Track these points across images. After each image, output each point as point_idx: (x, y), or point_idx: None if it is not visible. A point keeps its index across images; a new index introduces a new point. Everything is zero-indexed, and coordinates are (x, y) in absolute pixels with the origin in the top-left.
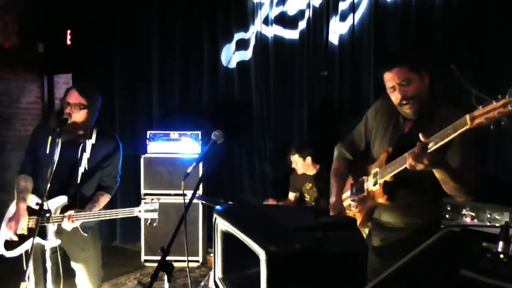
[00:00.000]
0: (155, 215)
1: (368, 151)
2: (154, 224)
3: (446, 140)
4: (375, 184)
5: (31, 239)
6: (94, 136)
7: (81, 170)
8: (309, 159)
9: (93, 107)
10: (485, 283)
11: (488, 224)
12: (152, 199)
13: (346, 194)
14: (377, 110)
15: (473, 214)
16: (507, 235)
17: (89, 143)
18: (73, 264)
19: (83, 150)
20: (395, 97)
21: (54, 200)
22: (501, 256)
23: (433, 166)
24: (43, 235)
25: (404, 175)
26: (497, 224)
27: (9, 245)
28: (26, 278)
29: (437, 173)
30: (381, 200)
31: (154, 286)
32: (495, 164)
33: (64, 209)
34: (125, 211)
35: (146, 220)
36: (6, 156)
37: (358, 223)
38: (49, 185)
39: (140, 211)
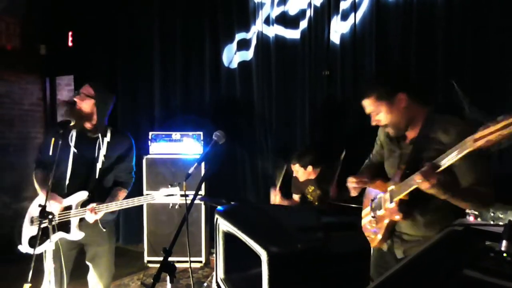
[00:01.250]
0: (176, 199)
1: None
2: (176, 207)
3: (452, 161)
4: (391, 201)
5: (56, 234)
6: (109, 134)
7: (98, 166)
8: (310, 167)
9: (100, 101)
10: (488, 282)
11: (491, 223)
12: (171, 184)
13: (366, 210)
14: (381, 129)
15: (476, 213)
16: (511, 234)
17: (105, 141)
18: (88, 258)
19: (99, 147)
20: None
21: (75, 195)
22: (505, 255)
23: (440, 187)
24: (66, 229)
25: (418, 193)
26: (500, 223)
27: (33, 243)
28: (30, 279)
29: (449, 199)
30: (398, 217)
31: (157, 287)
32: (499, 163)
33: (84, 204)
34: (147, 198)
35: (168, 205)
36: (8, 157)
37: (380, 238)
38: (68, 182)
39: (160, 196)
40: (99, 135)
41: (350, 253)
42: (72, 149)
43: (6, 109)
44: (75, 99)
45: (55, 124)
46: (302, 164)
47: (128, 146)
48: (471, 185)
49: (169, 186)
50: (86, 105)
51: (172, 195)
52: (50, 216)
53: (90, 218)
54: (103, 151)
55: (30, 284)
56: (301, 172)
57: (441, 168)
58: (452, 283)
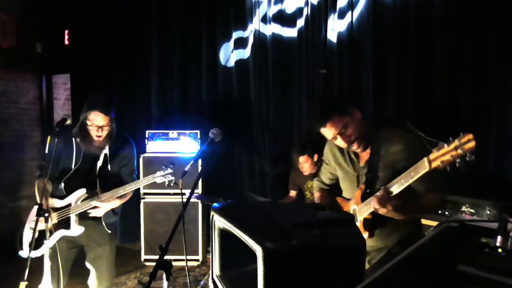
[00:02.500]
0: (171, 177)
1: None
2: (172, 184)
3: (408, 183)
4: (356, 220)
5: (57, 233)
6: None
7: (99, 164)
8: (316, 156)
9: (114, 121)
10: (483, 277)
11: (486, 219)
12: (165, 166)
13: None
14: (330, 151)
15: (472, 211)
16: (506, 229)
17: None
18: (88, 260)
19: (101, 152)
20: (341, 143)
21: (74, 194)
22: (499, 250)
23: (396, 212)
24: (66, 226)
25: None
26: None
27: (34, 246)
28: (27, 277)
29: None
30: (365, 235)
31: (154, 285)
32: (494, 162)
33: (83, 200)
34: (148, 178)
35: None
36: (5, 156)
37: None
38: (62, 185)
39: (157, 177)
40: None
41: (346, 249)
42: (75, 152)
43: (2, 108)
44: (97, 134)
45: (63, 130)
46: (310, 154)
47: (129, 151)
48: (423, 193)
49: (164, 166)
50: (106, 132)
51: (168, 174)
52: (46, 214)
53: (96, 212)
54: (104, 150)
55: (26, 283)
56: (308, 165)
57: (394, 193)
58: (447, 279)
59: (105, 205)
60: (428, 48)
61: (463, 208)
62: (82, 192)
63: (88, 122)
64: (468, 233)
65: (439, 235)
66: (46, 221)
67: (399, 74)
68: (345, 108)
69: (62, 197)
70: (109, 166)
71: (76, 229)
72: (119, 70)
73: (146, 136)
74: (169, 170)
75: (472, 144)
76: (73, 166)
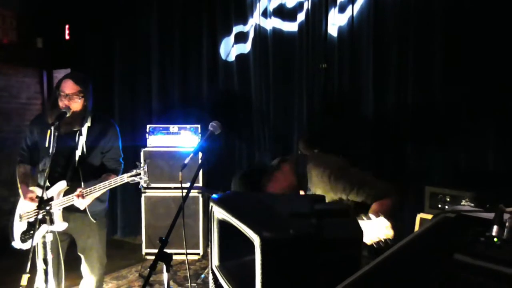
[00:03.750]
0: (144, 177)
1: None
2: (145, 185)
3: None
4: None
5: (41, 228)
6: (89, 120)
7: (78, 153)
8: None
9: (89, 93)
10: (478, 266)
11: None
12: (137, 163)
13: None
14: None
15: (472, 205)
16: (502, 219)
17: (85, 126)
18: (79, 250)
19: (80, 134)
20: None
21: (54, 186)
22: (495, 240)
23: None
24: (50, 221)
25: None
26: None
27: (24, 238)
28: (29, 270)
29: None
30: None
31: (154, 278)
32: (494, 157)
33: (66, 193)
34: (117, 179)
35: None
36: (6, 151)
37: None
38: (47, 175)
39: (129, 176)
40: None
41: (343, 239)
42: (47, 139)
43: (4, 103)
44: (65, 102)
45: (41, 115)
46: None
47: (111, 133)
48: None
49: (137, 163)
50: (77, 104)
51: (137, 175)
52: (48, 208)
53: (80, 204)
54: (83, 138)
55: (29, 275)
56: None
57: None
58: (442, 268)
59: (87, 199)
60: (429, 41)
61: (463, 202)
62: (63, 185)
63: (59, 94)
64: (465, 223)
65: (435, 225)
66: (48, 214)
67: (400, 69)
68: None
69: (44, 188)
70: (90, 156)
71: (60, 225)
72: (120, 65)
73: (147, 130)
74: (141, 170)
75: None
76: (50, 150)
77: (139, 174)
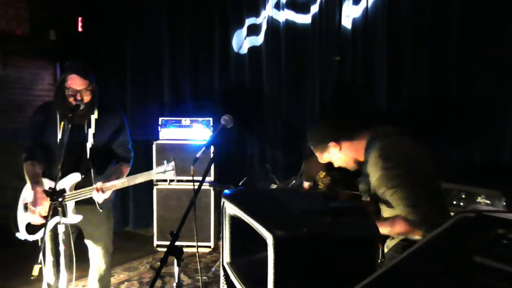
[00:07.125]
0: (171, 175)
1: None
2: (172, 183)
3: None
4: None
5: (51, 220)
6: (96, 110)
7: (88, 145)
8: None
9: (94, 82)
10: (499, 269)
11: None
12: (166, 160)
13: None
14: None
15: (488, 202)
16: None
17: (93, 118)
18: (86, 240)
19: (88, 126)
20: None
21: (67, 178)
22: None
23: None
24: (63, 214)
25: None
26: None
27: (31, 229)
28: (40, 260)
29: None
30: None
31: (166, 270)
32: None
33: (78, 185)
34: (144, 174)
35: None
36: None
37: None
38: (60, 167)
39: (157, 173)
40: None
41: (357, 238)
42: (59, 131)
43: (17, 95)
44: (78, 97)
45: (45, 106)
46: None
47: (119, 121)
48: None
49: (165, 162)
50: (87, 97)
51: (169, 170)
52: (60, 199)
53: (99, 197)
54: (92, 129)
55: (40, 265)
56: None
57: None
58: (462, 270)
59: (107, 192)
60: (444, 32)
61: (479, 199)
62: (76, 177)
63: (66, 89)
64: (485, 223)
65: (454, 225)
66: (61, 203)
67: (414, 62)
68: (323, 145)
69: (54, 178)
70: (100, 146)
71: (73, 218)
72: (132, 58)
73: (159, 123)
74: (170, 166)
75: None
76: (58, 140)
77: (168, 170)
